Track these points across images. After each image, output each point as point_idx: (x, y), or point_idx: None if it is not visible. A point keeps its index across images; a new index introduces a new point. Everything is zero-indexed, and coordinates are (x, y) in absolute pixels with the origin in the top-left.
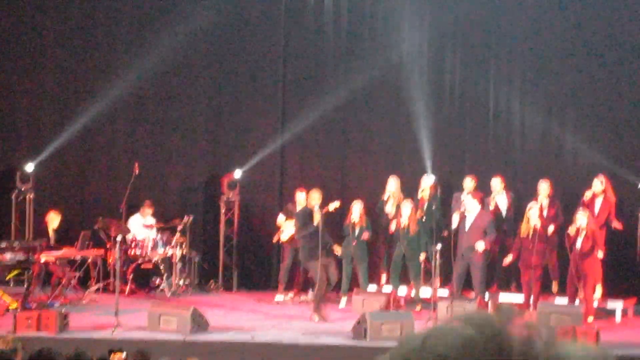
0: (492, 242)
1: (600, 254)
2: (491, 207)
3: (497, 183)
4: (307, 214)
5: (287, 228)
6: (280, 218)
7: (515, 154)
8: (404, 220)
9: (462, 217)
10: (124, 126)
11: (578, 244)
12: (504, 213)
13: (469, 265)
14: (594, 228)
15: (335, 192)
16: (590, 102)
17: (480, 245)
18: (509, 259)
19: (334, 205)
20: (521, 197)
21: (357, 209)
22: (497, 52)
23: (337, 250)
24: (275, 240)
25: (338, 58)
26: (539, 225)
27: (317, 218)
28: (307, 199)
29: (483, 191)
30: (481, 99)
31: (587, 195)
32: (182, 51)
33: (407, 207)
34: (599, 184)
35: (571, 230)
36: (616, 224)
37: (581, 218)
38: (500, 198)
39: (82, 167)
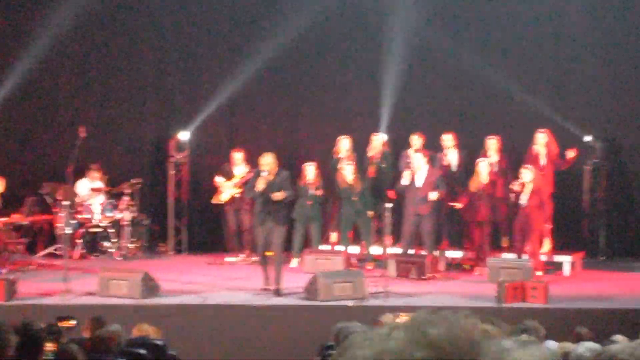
0: (442, 195)
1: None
2: (444, 163)
3: (448, 139)
4: (254, 177)
5: (225, 189)
6: (218, 179)
7: (465, 110)
8: (349, 181)
9: (412, 175)
10: (68, 88)
11: (524, 200)
12: (454, 170)
13: (419, 222)
14: (539, 183)
15: (286, 154)
16: (537, 55)
17: (433, 195)
18: (458, 205)
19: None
20: (473, 154)
21: (311, 170)
22: (446, 5)
23: None
24: (213, 201)
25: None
26: (487, 180)
27: (261, 184)
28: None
29: (434, 149)
30: (432, 55)
31: (534, 149)
32: (125, 10)
33: (349, 168)
34: (541, 138)
35: (516, 185)
36: (569, 154)
37: (526, 173)
38: (451, 155)
39: (26, 131)
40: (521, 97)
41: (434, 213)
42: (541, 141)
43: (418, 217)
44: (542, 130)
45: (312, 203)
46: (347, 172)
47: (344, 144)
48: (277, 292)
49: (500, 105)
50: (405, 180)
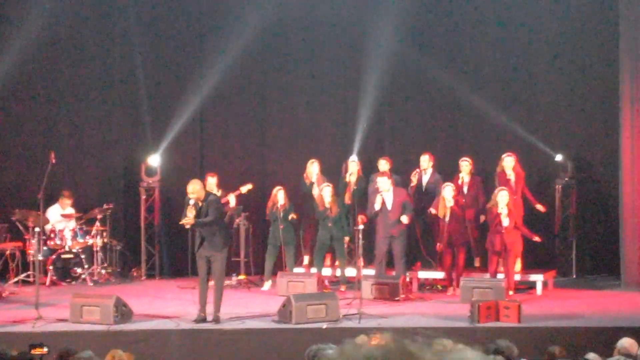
0: (411, 217)
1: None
2: (413, 183)
3: (424, 160)
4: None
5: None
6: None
7: (438, 133)
8: (327, 203)
9: (382, 199)
10: (37, 114)
11: (505, 222)
12: (423, 188)
13: (391, 243)
14: (512, 205)
15: (255, 178)
16: (509, 76)
17: (404, 218)
18: (432, 210)
19: (246, 188)
20: (449, 176)
21: (281, 194)
22: (420, 26)
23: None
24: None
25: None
26: (452, 203)
27: (190, 212)
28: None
29: (409, 172)
30: (406, 76)
31: (506, 174)
32: (93, 34)
33: (327, 190)
34: (509, 161)
35: (491, 204)
36: (540, 207)
37: (503, 196)
38: (425, 175)
39: None
40: (494, 117)
41: (405, 234)
42: (509, 164)
43: (390, 239)
44: (509, 153)
45: (284, 227)
46: (326, 194)
47: (313, 169)
48: (217, 320)
49: (473, 126)
50: (377, 205)
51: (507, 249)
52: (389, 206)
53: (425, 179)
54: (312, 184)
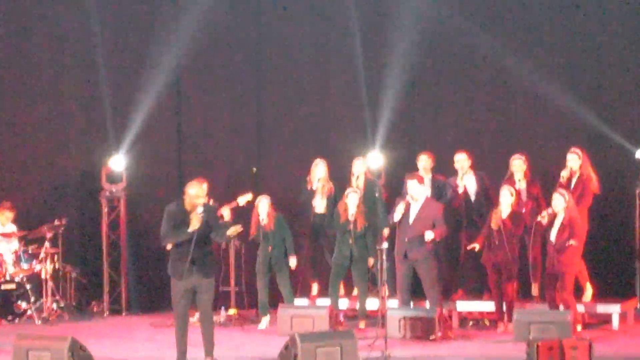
0: (442, 235)
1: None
2: (460, 191)
3: (462, 160)
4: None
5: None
6: None
7: (484, 123)
8: (351, 215)
9: (407, 207)
10: None
11: (553, 235)
12: (472, 198)
13: (414, 268)
14: (573, 214)
15: (247, 184)
16: (575, 47)
17: (429, 235)
18: (475, 247)
19: (244, 199)
20: (496, 178)
21: (264, 204)
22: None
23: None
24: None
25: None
26: (507, 213)
27: (195, 222)
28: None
29: (443, 172)
30: (442, 49)
31: (563, 175)
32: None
33: (353, 197)
34: (573, 159)
35: (544, 216)
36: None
37: (558, 200)
38: (467, 179)
39: None
40: (554, 101)
41: (431, 257)
42: (573, 163)
43: (410, 262)
44: (575, 149)
45: (274, 247)
46: (352, 201)
47: (318, 171)
48: None
49: (529, 113)
50: (397, 214)
51: (561, 272)
52: (410, 219)
53: (470, 186)
54: (312, 192)
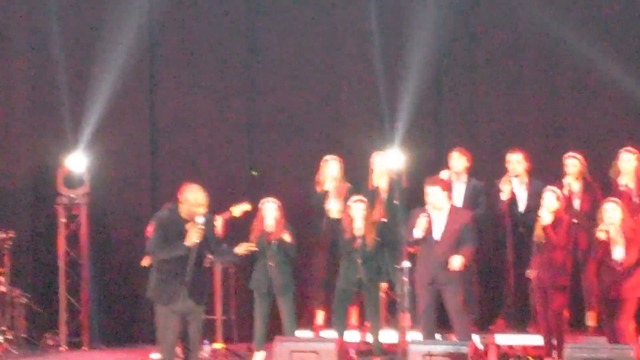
0: (470, 255)
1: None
2: (504, 197)
3: (516, 161)
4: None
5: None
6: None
7: (528, 114)
8: (358, 229)
9: (429, 221)
10: None
11: (618, 254)
12: (521, 208)
13: (439, 294)
14: (633, 226)
15: (239, 187)
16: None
17: (456, 262)
18: (531, 274)
19: (240, 209)
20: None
21: (271, 210)
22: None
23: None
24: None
25: None
26: (549, 220)
27: (193, 235)
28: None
29: (476, 174)
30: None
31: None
32: None
33: (358, 207)
34: (628, 160)
35: (601, 231)
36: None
37: (613, 211)
38: (516, 184)
39: None
40: (622, 86)
41: (460, 280)
42: (628, 165)
43: (436, 286)
44: (630, 148)
45: (274, 265)
46: (357, 212)
47: (329, 170)
48: None
49: (585, 101)
50: (418, 230)
51: (620, 299)
52: (436, 235)
53: (520, 192)
54: (324, 193)
